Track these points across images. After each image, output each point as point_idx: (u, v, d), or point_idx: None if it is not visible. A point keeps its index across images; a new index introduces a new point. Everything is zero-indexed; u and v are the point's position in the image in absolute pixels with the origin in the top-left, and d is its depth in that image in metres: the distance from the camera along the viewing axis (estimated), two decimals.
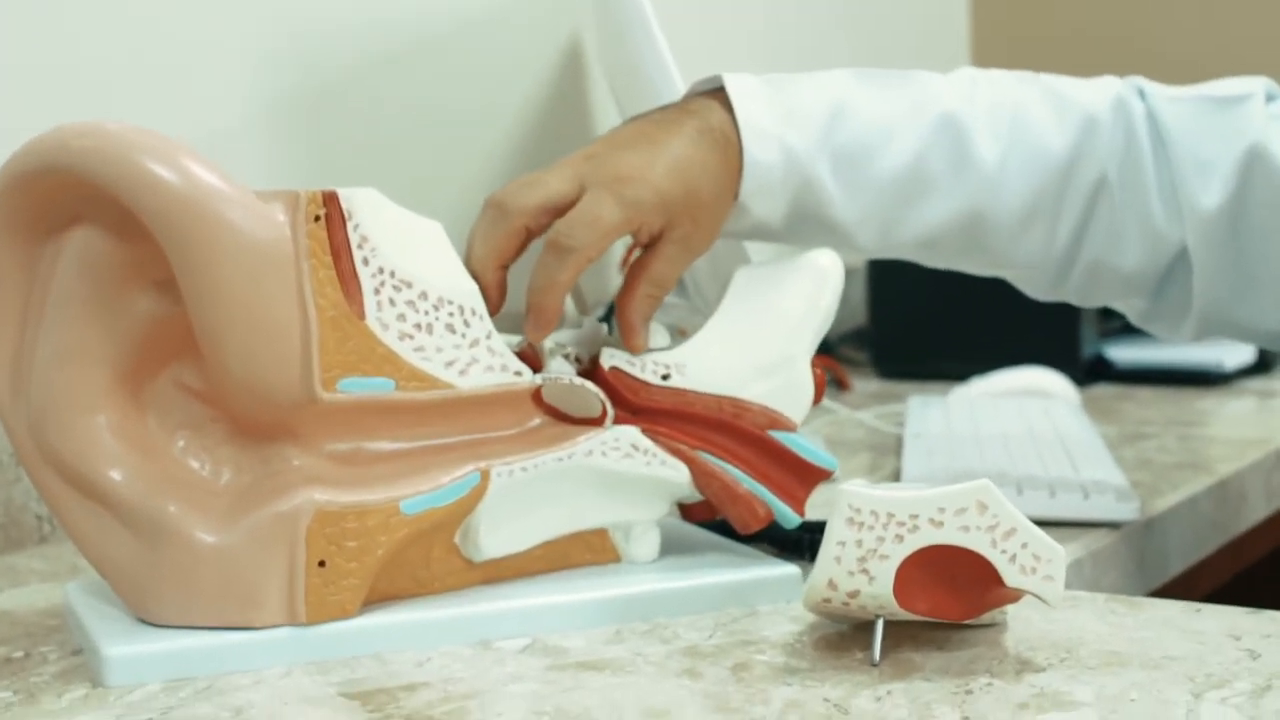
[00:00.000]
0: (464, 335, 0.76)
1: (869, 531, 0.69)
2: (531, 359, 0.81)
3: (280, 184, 0.73)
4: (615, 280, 1.44)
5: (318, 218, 0.72)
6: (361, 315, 0.73)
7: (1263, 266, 0.94)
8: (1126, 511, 1.00)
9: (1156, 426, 1.41)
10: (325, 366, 0.72)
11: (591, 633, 0.76)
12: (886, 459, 1.27)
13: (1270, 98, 0.96)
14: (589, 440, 0.79)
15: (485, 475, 0.76)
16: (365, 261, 0.73)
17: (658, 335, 0.84)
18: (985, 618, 0.73)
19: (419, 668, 0.71)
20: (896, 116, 0.92)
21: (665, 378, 0.81)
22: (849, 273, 0.86)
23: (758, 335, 0.83)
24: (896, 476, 1.18)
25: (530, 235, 0.83)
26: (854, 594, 0.69)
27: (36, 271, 0.72)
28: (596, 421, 0.80)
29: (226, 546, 0.72)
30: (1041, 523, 0.71)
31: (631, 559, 0.82)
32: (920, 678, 0.67)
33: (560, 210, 0.82)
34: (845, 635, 0.74)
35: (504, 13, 1.43)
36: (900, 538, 0.69)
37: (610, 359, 0.82)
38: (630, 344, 0.82)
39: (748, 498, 0.81)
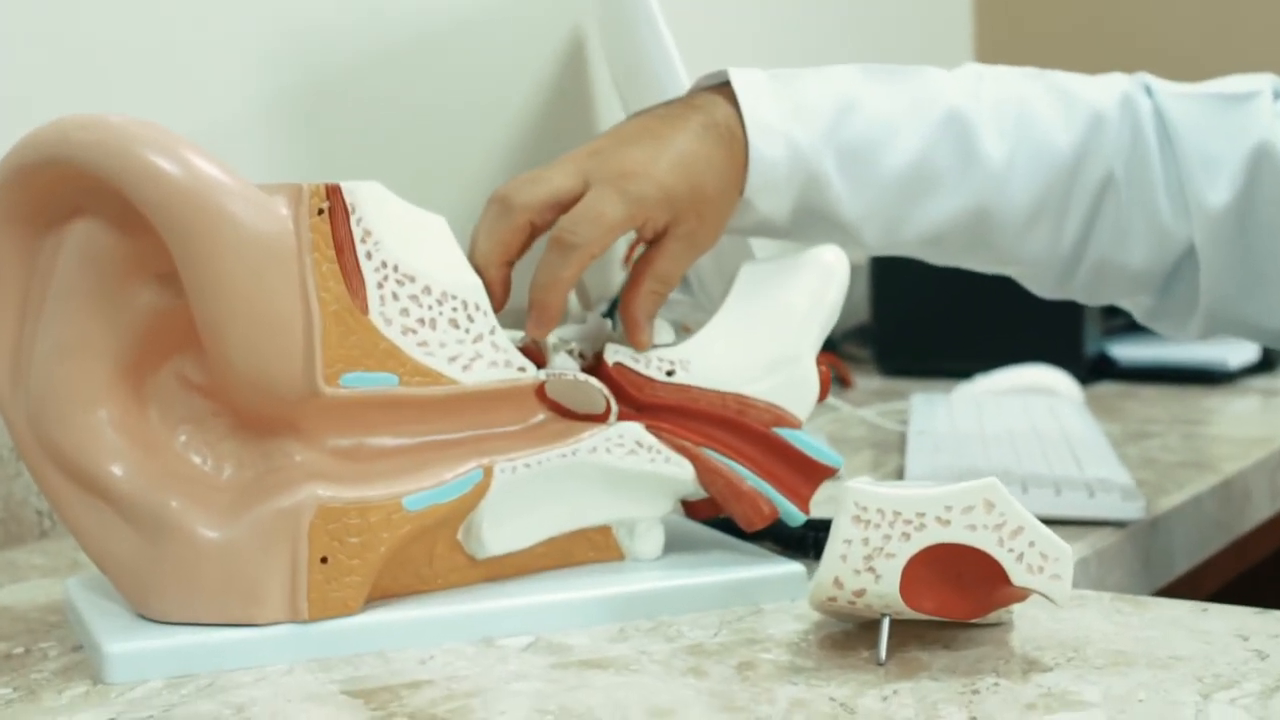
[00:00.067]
0: (468, 330, 0.76)
1: (875, 530, 0.68)
2: (535, 355, 0.80)
3: (282, 179, 0.73)
4: (618, 276, 1.43)
5: (321, 211, 0.71)
6: (365, 310, 0.73)
7: (1270, 264, 0.94)
8: (1132, 510, 1.00)
9: (1160, 425, 1.40)
10: (328, 361, 0.71)
11: (595, 630, 0.75)
12: (889, 456, 1.27)
13: (1278, 95, 0.96)
14: (593, 437, 0.79)
15: (488, 471, 0.76)
16: (369, 255, 0.73)
17: (662, 331, 0.84)
18: (991, 617, 0.73)
19: (422, 665, 0.71)
20: (903, 113, 0.92)
21: (670, 374, 0.81)
22: (851, 270, 0.86)
23: (763, 331, 0.82)
24: (900, 474, 1.18)
25: (535, 231, 0.82)
26: (860, 592, 0.69)
27: (36, 264, 0.72)
28: (600, 418, 0.79)
29: (228, 542, 0.71)
30: (1047, 521, 0.70)
31: (635, 556, 0.82)
32: (927, 677, 0.67)
33: (564, 206, 0.82)
34: (850, 634, 0.73)
35: (506, 8, 1.43)
36: (907, 536, 0.68)
37: (614, 355, 0.81)
38: (635, 340, 0.82)
39: (752, 495, 0.81)
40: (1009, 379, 1.53)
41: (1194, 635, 0.71)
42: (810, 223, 0.92)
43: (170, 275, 0.71)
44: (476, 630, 0.74)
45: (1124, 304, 1.02)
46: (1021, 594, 0.70)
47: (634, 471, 0.79)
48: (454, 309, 0.75)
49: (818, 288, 0.83)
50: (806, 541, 0.87)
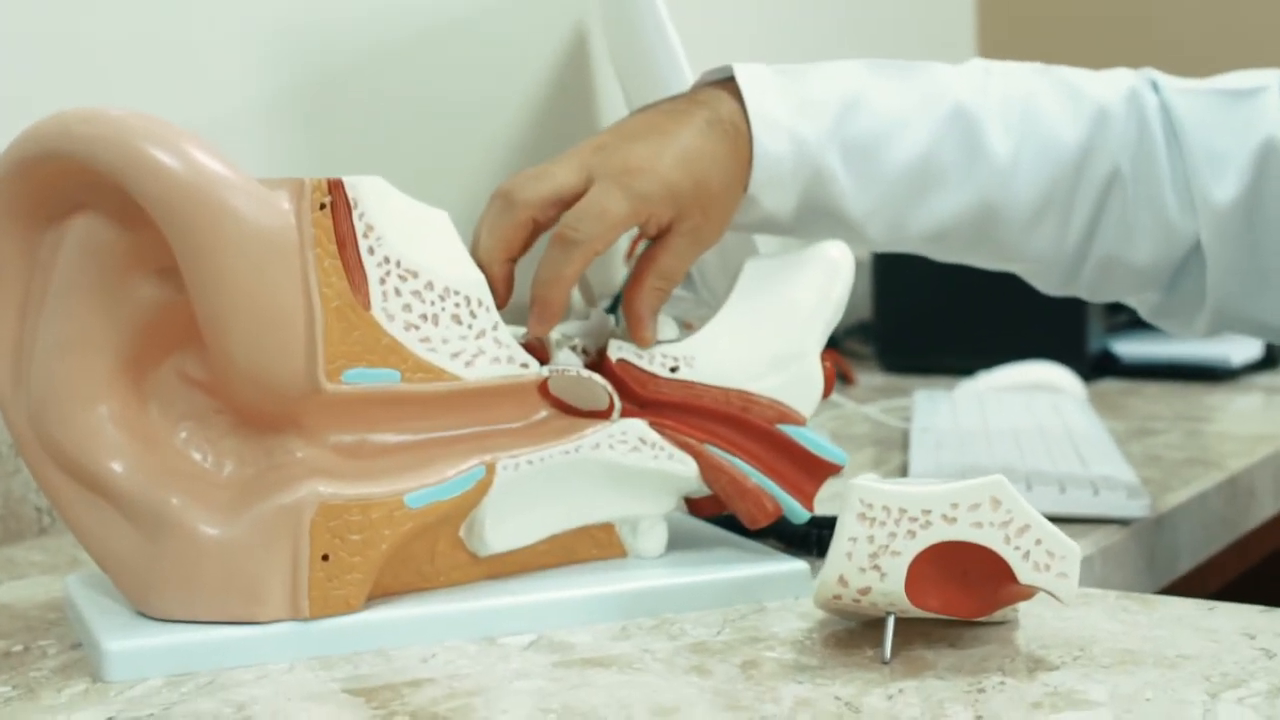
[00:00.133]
0: (470, 326, 0.75)
1: (881, 527, 0.68)
2: (538, 351, 0.80)
3: (282, 174, 0.72)
4: (621, 271, 1.43)
5: (323, 205, 0.71)
6: (367, 305, 0.72)
7: (1277, 259, 0.93)
8: (1137, 508, 0.99)
9: (1164, 422, 1.40)
10: (330, 357, 0.71)
11: (598, 628, 0.75)
12: (892, 453, 1.26)
13: None
14: (596, 433, 0.78)
15: (491, 468, 0.75)
16: (371, 251, 0.72)
17: (666, 327, 0.83)
18: (997, 615, 0.72)
19: (424, 664, 0.70)
20: (908, 108, 0.92)
21: (674, 370, 0.81)
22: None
23: (767, 328, 0.82)
24: (903, 471, 1.17)
25: (538, 228, 0.82)
26: (865, 590, 0.69)
27: (37, 259, 0.71)
28: (604, 414, 0.79)
29: (229, 539, 0.71)
30: (1051, 519, 0.70)
31: (638, 554, 0.82)
32: (932, 676, 0.66)
33: (568, 202, 0.81)
34: (855, 632, 0.73)
35: (509, 4, 1.42)
36: (912, 534, 0.68)
37: (618, 351, 0.81)
38: (638, 337, 0.81)
39: (756, 492, 0.80)
40: (1012, 376, 1.53)
41: (1201, 634, 0.71)
42: (814, 219, 0.92)
43: (171, 270, 0.70)
44: (478, 628, 0.74)
45: (1130, 301, 1.01)
46: (1027, 592, 0.69)
47: (637, 468, 0.79)
48: (457, 305, 0.75)
49: (823, 284, 0.83)
50: (810, 539, 0.86)
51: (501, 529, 0.77)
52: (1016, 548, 0.68)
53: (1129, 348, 1.71)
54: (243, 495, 0.72)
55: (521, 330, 0.80)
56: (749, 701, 0.64)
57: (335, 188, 0.71)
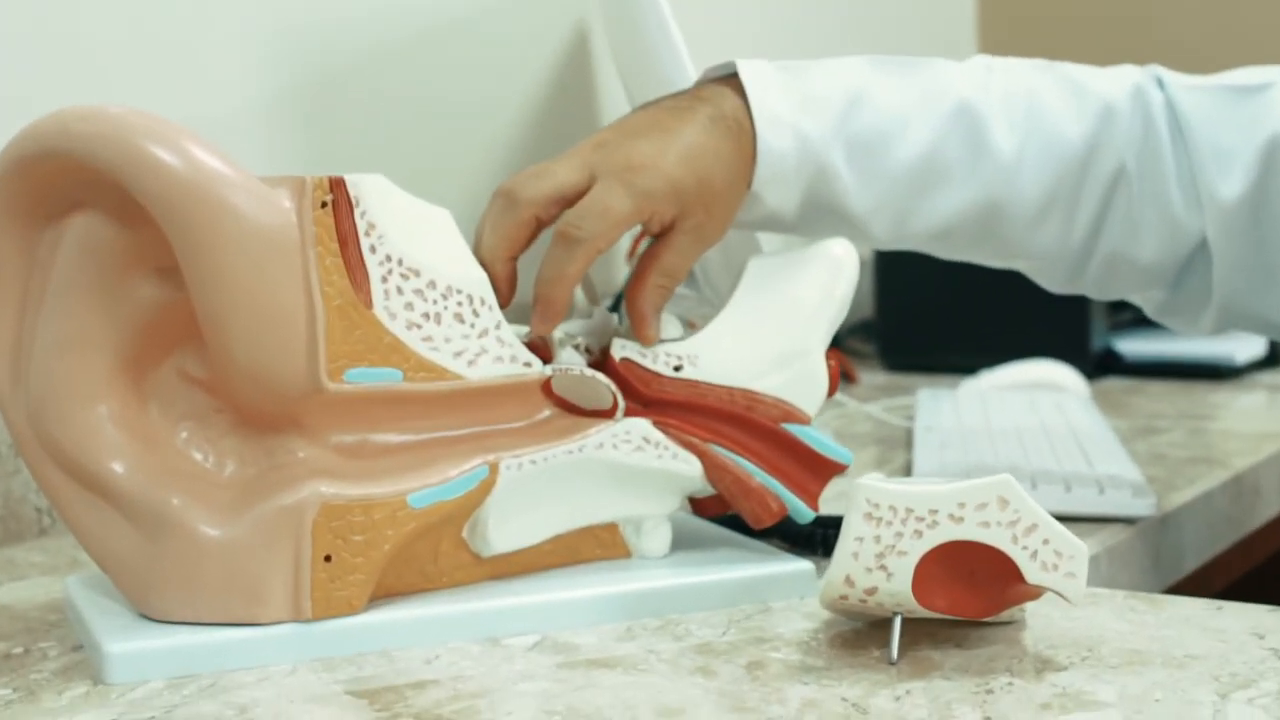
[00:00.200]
0: (473, 325, 0.75)
1: (887, 527, 0.67)
2: (541, 350, 0.79)
3: (283, 174, 0.72)
4: (624, 270, 1.42)
5: (324, 204, 0.70)
6: (369, 304, 0.72)
7: None
8: (1143, 507, 0.99)
9: (1168, 420, 1.39)
10: (332, 356, 0.71)
11: (602, 629, 0.74)
12: (895, 452, 1.26)
13: None
14: (599, 433, 0.78)
15: (494, 468, 0.75)
16: (372, 249, 0.72)
17: (670, 326, 0.83)
18: (1004, 615, 0.72)
19: (427, 665, 0.70)
20: (912, 105, 0.91)
21: (677, 369, 0.80)
22: None
23: (771, 326, 0.81)
24: (907, 470, 1.17)
25: (540, 226, 0.81)
26: (872, 590, 0.68)
27: (36, 258, 0.71)
28: (607, 413, 0.79)
29: (230, 540, 0.70)
30: (1056, 518, 0.69)
31: (642, 554, 0.81)
32: (939, 676, 0.66)
33: (570, 200, 0.81)
34: (861, 632, 0.72)
35: (508, 3, 1.42)
36: (919, 533, 0.67)
37: (621, 350, 0.80)
38: (641, 335, 0.81)
39: (760, 492, 0.80)
40: (1015, 374, 1.53)
41: (1209, 634, 0.70)
42: (818, 216, 0.91)
43: (171, 269, 0.70)
44: (482, 629, 0.73)
45: (1135, 299, 1.01)
46: (1035, 592, 0.69)
47: (641, 468, 0.79)
48: (459, 303, 0.74)
49: (827, 281, 0.82)
50: (815, 539, 0.86)
51: (505, 529, 0.76)
52: (1024, 547, 0.67)
53: (1132, 346, 1.71)
54: (244, 495, 0.71)
55: (524, 329, 0.80)
56: (755, 703, 0.63)
57: (337, 186, 0.71)
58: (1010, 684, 0.65)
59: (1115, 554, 0.95)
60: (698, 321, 0.87)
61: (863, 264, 0.84)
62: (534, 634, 0.74)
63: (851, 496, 0.68)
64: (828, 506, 0.82)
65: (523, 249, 0.81)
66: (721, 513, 0.83)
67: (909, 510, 0.67)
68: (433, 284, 0.74)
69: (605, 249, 0.80)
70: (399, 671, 0.69)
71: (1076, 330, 1.65)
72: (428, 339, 0.74)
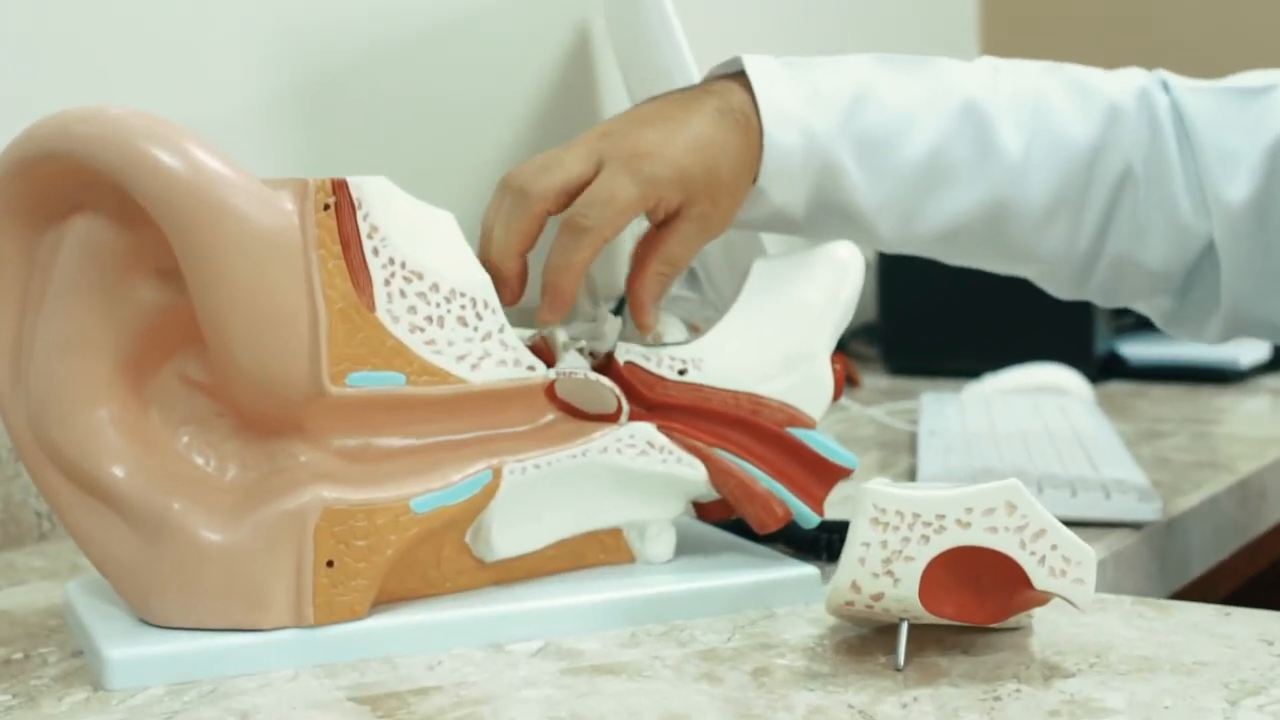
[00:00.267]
0: (476, 328, 0.74)
1: (894, 532, 0.67)
2: (545, 353, 0.79)
3: (283, 174, 0.72)
4: (626, 271, 1.42)
5: (327, 206, 0.70)
6: (371, 307, 0.71)
7: None
8: (1149, 512, 0.99)
9: (1172, 424, 1.39)
10: (334, 359, 0.70)
11: (606, 635, 0.74)
12: (899, 456, 1.25)
13: None
14: (604, 437, 0.77)
15: (497, 473, 0.74)
16: (375, 252, 0.71)
17: (674, 329, 0.82)
18: (1011, 621, 0.71)
19: (430, 671, 0.69)
20: (919, 103, 0.91)
21: (682, 373, 0.80)
22: None
23: (776, 329, 0.81)
24: (911, 475, 1.16)
25: (548, 218, 0.81)
26: (878, 596, 0.68)
27: (36, 259, 0.71)
28: (611, 418, 0.78)
29: (231, 545, 0.70)
30: (1062, 523, 0.69)
31: (646, 559, 0.81)
32: (946, 683, 0.65)
33: (579, 190, 0.80)
34: (866, 639, 0.72)
35: (508, 3, 1.42)
36: (926, 539, 0.67)
37: (625, 354, 0.80)
38: (640, 321, 0.80)
39: (765, 496, 0.79)
40: (1019, 378, 1.52)
41: (1217, 640, 0.70)
42: (825, 215, 0.91)
43: (172, 271, 0.69)
44: (485, 635, 0.73)
45: (1142, 307, 1.00)
46: (1042, 598, 0.68)
47: (645, 472, 0.78)
48: (462, 306, 0.74)
49: (832, 284, 0.82)
50: (820, 544, 0.85)
51: (508, 534, 0.76)
52: (1032, 553, 0.67)
53: (1136, 349, 1.70)
54: (245, 500, 0.71)
55: (528, 332, 0.79)
56: (760, 710, 0.63)
57: (339, 188, 0.70)
58: (1018, 691, 0.64)
59: (1121, 559, 0.95)
60: (701, 325, 0.86)
61: (866, 267, 0.84)
62: (537, 640, 0.73)
63: (858, 501, 0.68)
64: (833, 511, 0.82)
65: (534, 244, 0.81)
66: (726, 517, 0.83)
67: (916, 515, 0.67)
68: (436, 287, 0.73)
69: (612, 237, 0.80)
70: (401, 678, 0.68)
71: (1080, 334, 1.65)
72: (431, 342, 0.73)
